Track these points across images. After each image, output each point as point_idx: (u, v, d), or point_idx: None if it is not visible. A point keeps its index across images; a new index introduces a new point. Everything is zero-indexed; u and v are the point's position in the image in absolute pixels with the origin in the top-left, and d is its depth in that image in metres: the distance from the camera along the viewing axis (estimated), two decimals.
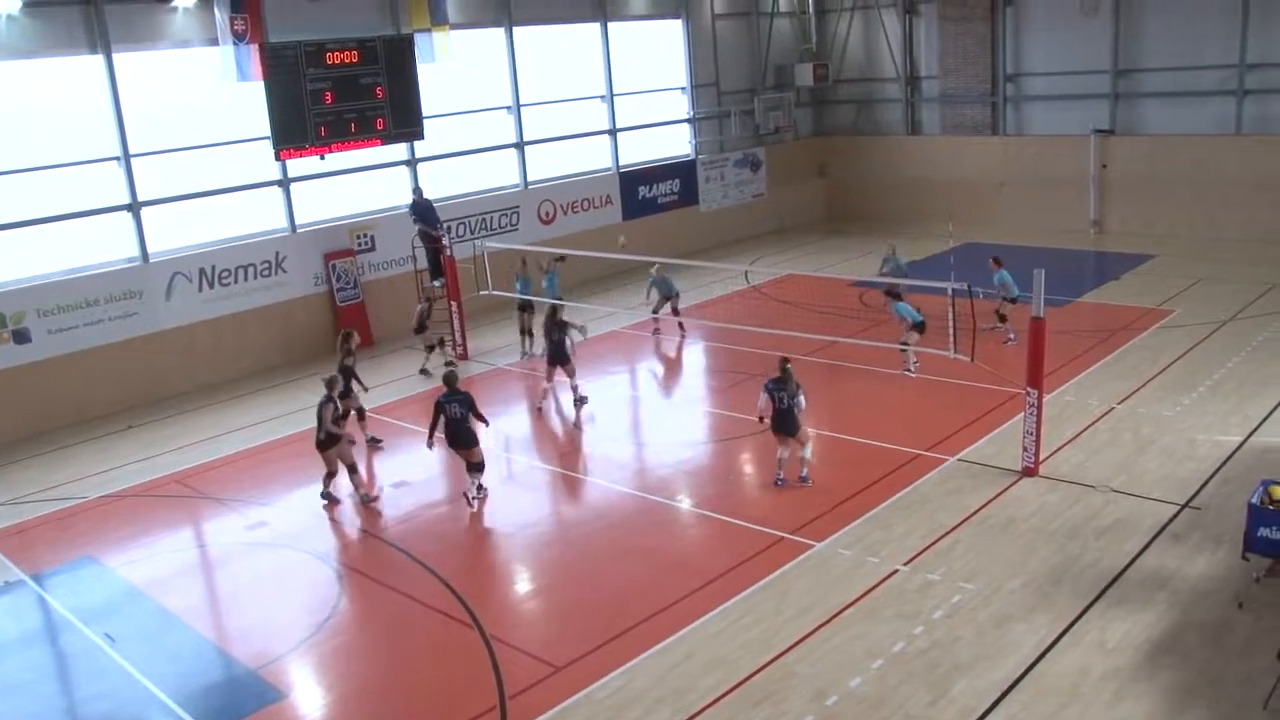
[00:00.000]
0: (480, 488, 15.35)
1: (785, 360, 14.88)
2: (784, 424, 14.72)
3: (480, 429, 15.47)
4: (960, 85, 32.96)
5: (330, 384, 15.79)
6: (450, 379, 15.51)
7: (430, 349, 21.66)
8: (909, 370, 19.22)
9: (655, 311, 22.73)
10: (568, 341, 18.70)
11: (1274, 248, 26.60)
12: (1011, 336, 20.16)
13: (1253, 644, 10.47)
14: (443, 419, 15.10)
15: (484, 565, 13.94)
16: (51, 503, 16.66)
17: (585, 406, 18.74)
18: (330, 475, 15.63)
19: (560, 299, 21.06)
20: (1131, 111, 30.00)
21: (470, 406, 15.18)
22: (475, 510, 15.09)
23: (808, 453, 14.91)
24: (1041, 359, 14.27)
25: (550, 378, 19.02)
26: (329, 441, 15.42)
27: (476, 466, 15.24)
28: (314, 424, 15.63)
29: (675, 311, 22.71)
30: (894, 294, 19.75)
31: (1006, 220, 31.52)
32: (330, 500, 15.69)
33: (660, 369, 22.16)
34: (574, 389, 18.80)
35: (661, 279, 22.49)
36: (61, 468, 18.15)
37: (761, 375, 19.51)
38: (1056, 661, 10.50)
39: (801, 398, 14.65)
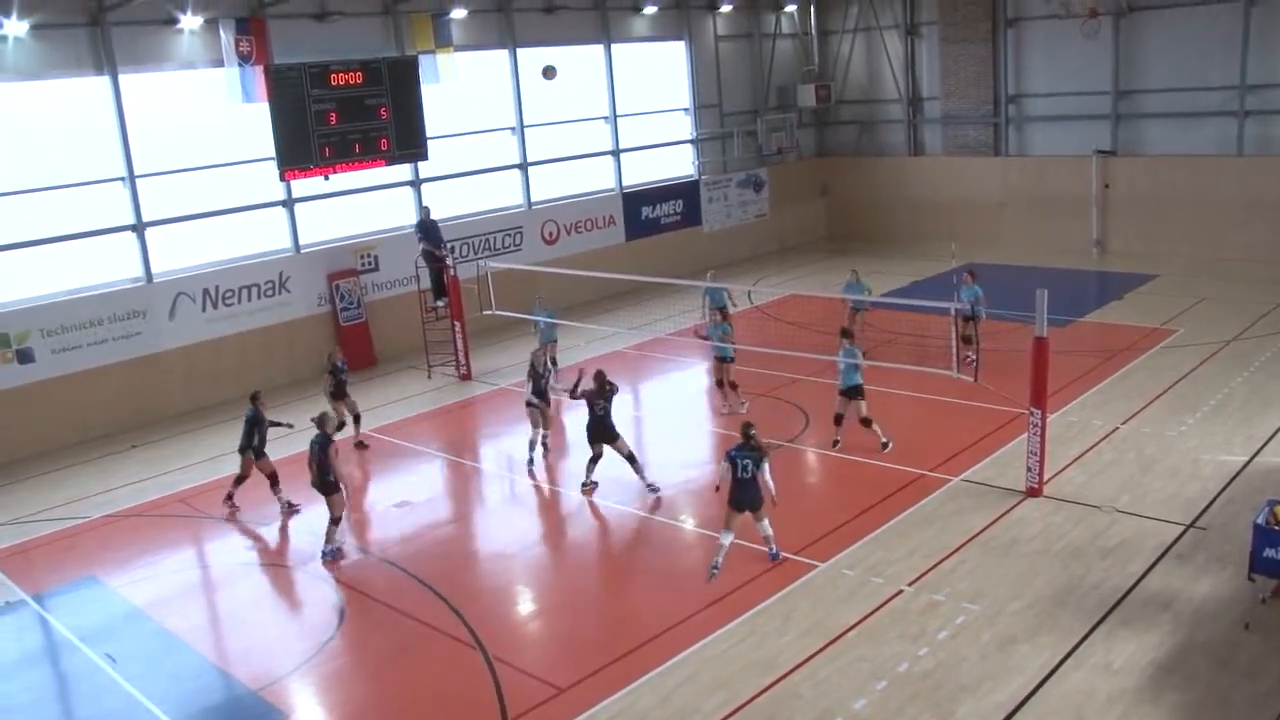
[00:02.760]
0: (334, 552, 14.48)
1: (748, 425, 13.08)
2: (743, 496, 12.90)
3: (342, 480, 14.52)
4: (962, 106, 33.06)
5: (322, 422, 14.75)
6: (320, 421, 14.81)
7: None
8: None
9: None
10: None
11: (1276, 268, 26.59)
12: (970, 357, 18.78)
13: (1259, 665, 10.41)
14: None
15: (487, 586, 13.90)
16: (54, 522, 16.64)
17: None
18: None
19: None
20: (1133, 132, 30.06)
21: (324, 448, 14.42)
22: (333, 565, 14.31)
23: (767, 527, 13.19)
24: (1045, 379, 14.24)
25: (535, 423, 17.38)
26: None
27: (334, 519, 14.43)
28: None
29: (725, 317, 22.23)
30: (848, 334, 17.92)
31: (1009, 240, 31.57)
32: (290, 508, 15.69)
33: (663, 389, 22.11)
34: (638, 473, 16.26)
35: (715, 289, 22.29)
36: (64, 487, 18.15)
37: (765, 395, 19.63)
38: (1061, 683, 10.45)
39: (767, 468, 12.85)
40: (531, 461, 17.33)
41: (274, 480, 16.26)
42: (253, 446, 16.22)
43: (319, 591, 13.76)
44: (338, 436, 15.67)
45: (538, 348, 19.13)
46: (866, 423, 16.58)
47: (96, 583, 14.43)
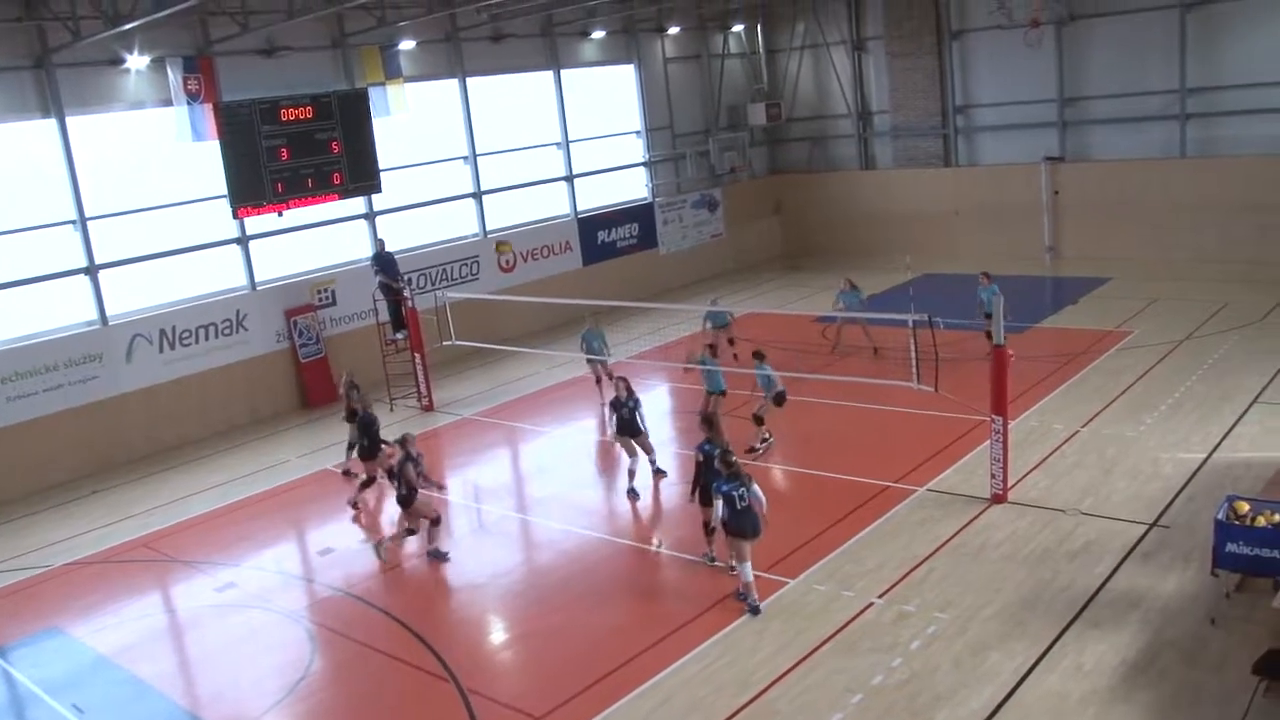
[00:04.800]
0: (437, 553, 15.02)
1: (727, 454, 12.91)
2: (745, 524, 12.51)
3: None
4: (911, 119, 33.42)
5: (404, 442, 15.12)
6: (403, 441, 15.17)
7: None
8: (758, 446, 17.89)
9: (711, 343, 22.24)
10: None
11: (1224, 266, 27.04)
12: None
13: (1227, 659, 10.53)
14: None
15: (457, 617, 13.82)
16: (14, 572, 16.36)
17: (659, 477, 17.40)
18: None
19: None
20: (1080, 138, 30.51)
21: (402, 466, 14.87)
22: None
23: (747, 572, 12.63)
24: (1005, 386, 14.39)
25: (631, 451, 16.97)
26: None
27: (434, 522, 15.06)
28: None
29: (731, 342, 22.49)
30: (759, 354, 18.06)
31: (963, 250, 31.85)
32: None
33: None
34: (651, 462, 17.27)
35: (717, 312, 22.46)
36: (24, 536, 17.86)
37: (725, 413, 19.57)
38: (1035, 687, 10.52)
39: (757, 488, 12.60)
40: (631, 491, 16.79)
41: (369, 482, 17.35)
42: (362, 445, 17.25)
43: (289, 631, 13.62)
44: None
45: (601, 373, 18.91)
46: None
47: (60, 632, 14.20)
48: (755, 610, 12.46)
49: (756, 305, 28.57)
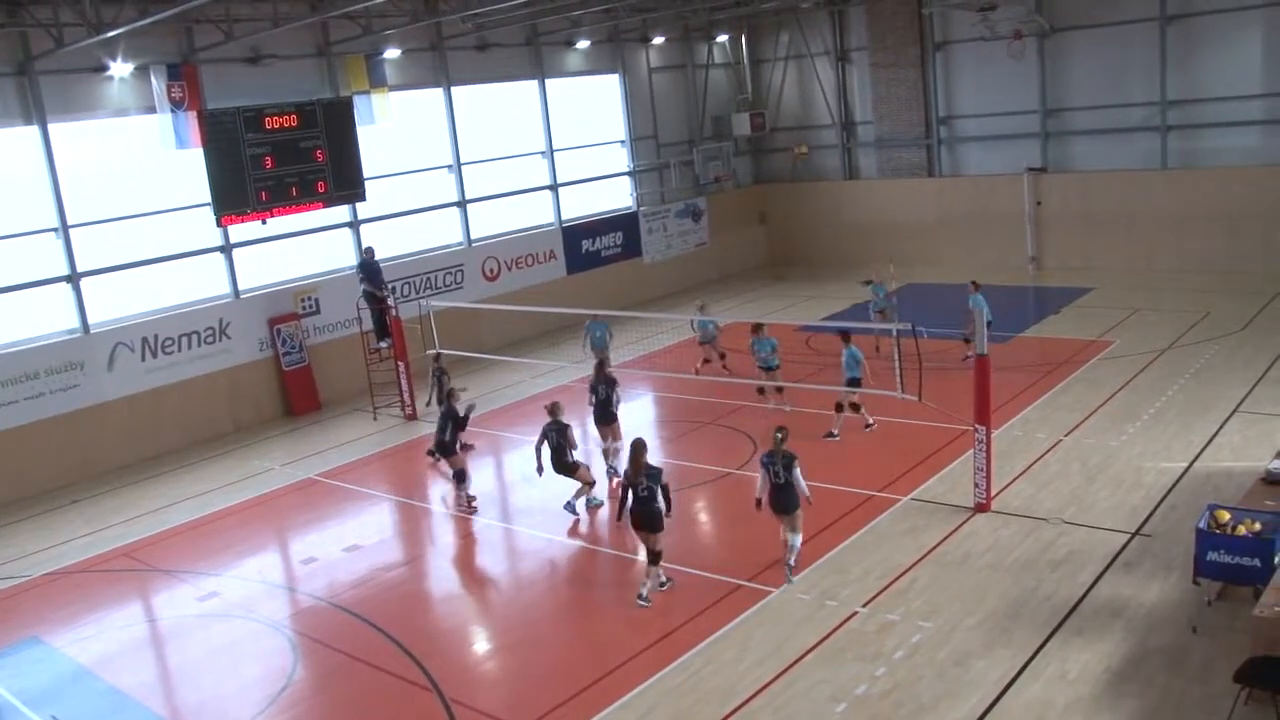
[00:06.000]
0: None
1: (779, 429, 13.34)
2: (778, 501, 13.21)
3: None
4: (895, 130, 33.56)
5: (553, 410, 16.12)
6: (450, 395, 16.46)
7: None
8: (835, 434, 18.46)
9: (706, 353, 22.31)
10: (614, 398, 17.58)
11: (1205, 276, 27.23)
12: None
13: (1210, 667, 10.57)
14: None
15: (440, 627, 13.77)
16: None
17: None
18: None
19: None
20: (1062, 149, 30.69)
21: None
22: None
23: (795, 540, 13.36)
24: (988, 395, 14.44)
25: (603, 437, 17.70)
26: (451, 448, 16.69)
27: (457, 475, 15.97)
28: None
29: (722, 356, 22.33)
30: (845, 336, 18.84)
31: (946, 260, 31.99)
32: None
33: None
34: (614, 451, 17.52)
35: (703, 320, 22.42)
36: (4, 545, 17.72)
37: (709, 423, 19.72)
38: (1019, 696, 10.54)
39: (798, 471, 13.06)
40: (611, 470, 17.54)
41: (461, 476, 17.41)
42: (441, 440, 17.14)
43: (272, 640, 13.55)
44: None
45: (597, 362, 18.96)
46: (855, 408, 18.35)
47: (40, 643, 14.08)
48: (790, 572, 13.33)
49: (742, 314, 28.58)
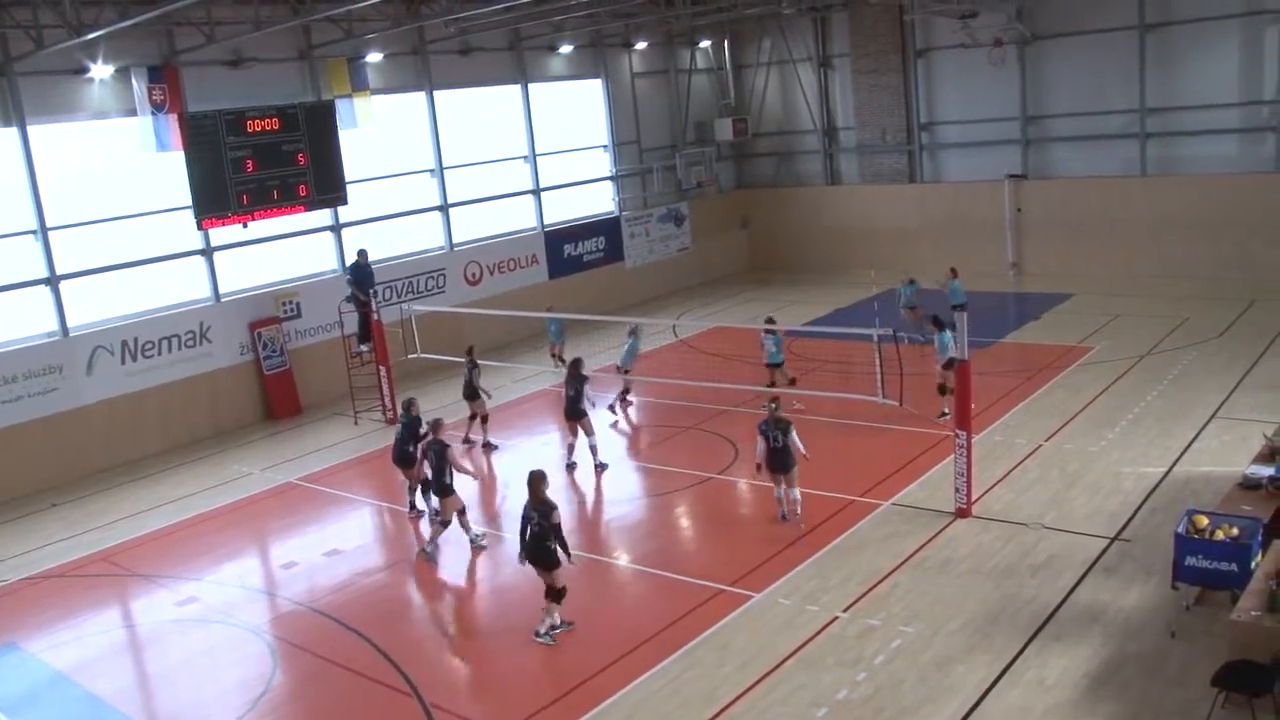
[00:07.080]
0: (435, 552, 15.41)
1: (772, 400, 15.06)
2: (777, 461, 14.82)
3: None
4: (877, 136, 33.65)
5: (436, 428, 15.57)
6: (435, 426, 15.64)
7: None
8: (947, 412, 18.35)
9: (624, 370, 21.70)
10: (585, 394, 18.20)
11: (1184, 282, 27.40)
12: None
13: (1187, 672, 10.63)
14: None
15: (420, 632, 13.74)
16: None
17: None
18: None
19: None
20: (1043, 156, 30.84)
21: (441, 453, 15.31)
22: None
23: (795, 493, 15.02)
24: (969, 401, 14.50)
25: (572, 432, 18.41)
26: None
27: (443, 521, 15.44)
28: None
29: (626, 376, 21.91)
30: (939, 322, 18.66)
31: (928, 265, 31.93)
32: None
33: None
34: (593, 449, 18.32)
35: (634, 341, 21.60)
36: None
37: (692, 427, 19.72)
38: (999, 700, 10.57)
39: (794, 434, 14.68)
40: (571, 466, 18.39)
41: (484, 419, 19.24)
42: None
43: (250, 646, 13.48)
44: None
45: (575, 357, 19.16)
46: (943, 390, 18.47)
47: (17, 648, 13.98)
48: (788, 518, 15.03)
49: (723, 319, 28.63)
